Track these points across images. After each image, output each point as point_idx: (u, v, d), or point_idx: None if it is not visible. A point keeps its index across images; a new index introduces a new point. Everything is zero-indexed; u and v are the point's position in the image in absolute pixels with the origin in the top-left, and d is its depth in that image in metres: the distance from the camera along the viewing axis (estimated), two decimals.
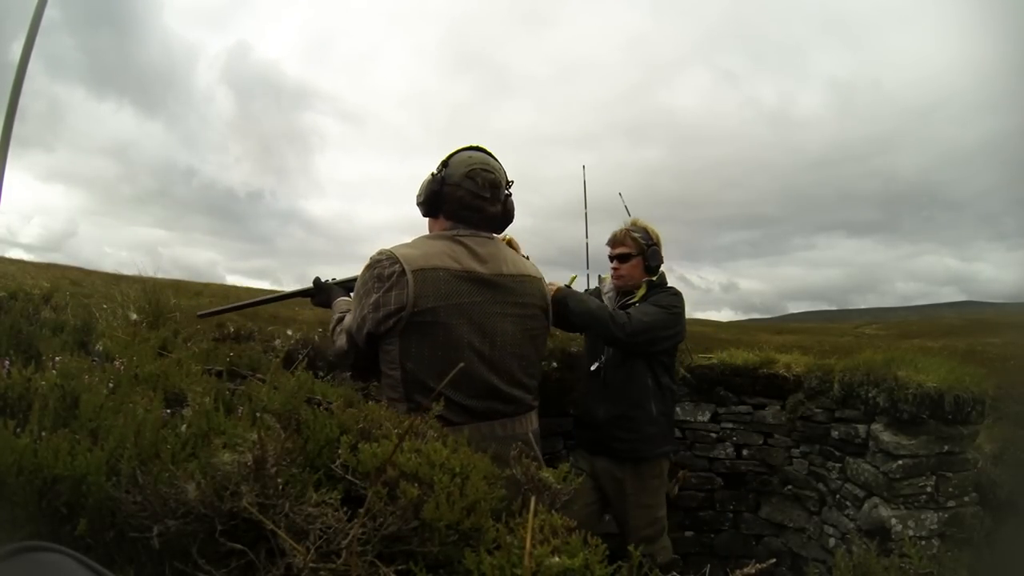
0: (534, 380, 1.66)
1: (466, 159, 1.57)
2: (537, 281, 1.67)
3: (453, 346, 1.46)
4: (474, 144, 1.63)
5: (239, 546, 0.66)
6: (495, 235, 1.66)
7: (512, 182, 1.64)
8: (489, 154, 1.61)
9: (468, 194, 1.54)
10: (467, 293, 1.49)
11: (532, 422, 1.67)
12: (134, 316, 2.00)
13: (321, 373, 1.60)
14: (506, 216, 1.64)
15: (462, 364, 1.36)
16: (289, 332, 2.77)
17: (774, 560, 1.02)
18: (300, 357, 1.79)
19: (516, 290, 1.58)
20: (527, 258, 1.76)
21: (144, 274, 2.64)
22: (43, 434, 0.73)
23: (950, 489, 2.61)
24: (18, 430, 0.72)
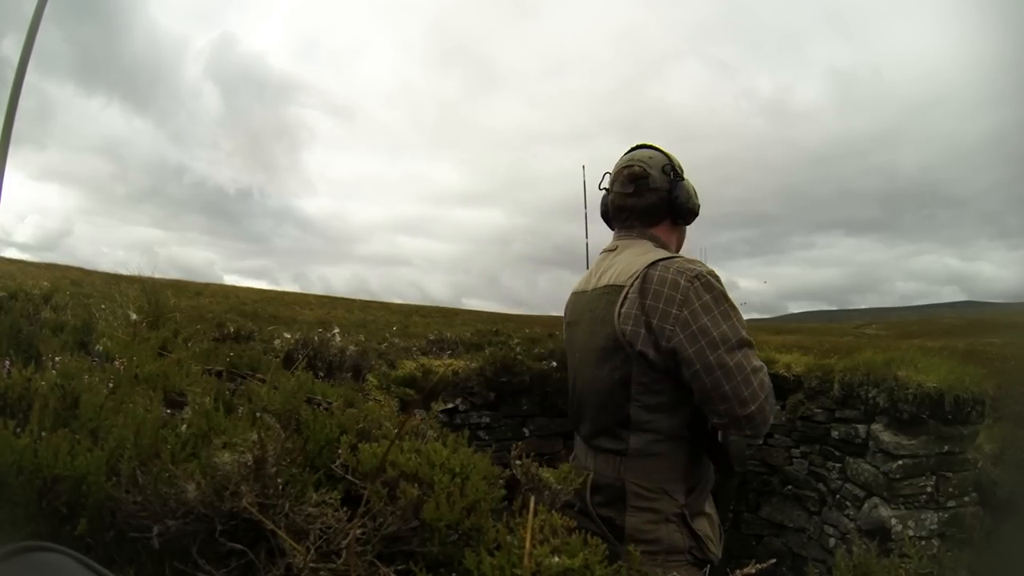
0: (603, 418, 1.41)
1: (617, 163, 1.58)
2: (612, 292, 1.39)
3: (571, 362, 1.60)
4: (638, 143, 1.61)
5: (239, 546, 0.66)
6: (634, 232, 1.52)
7: (672, 166, 1.51)
8: (646, 147, 1.57)
9: (617, 196, 1.54)
10: (576, 312, 1.56)
11: (597, 462, 1.42)
12: (134, 316, 2.00)
13: (320, 374, 1.60)
14: (672, 204, 1.49)
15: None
16: (287, 335, 2.77)
17: (774, 560, 1.01)
18: (300, 357, 1.79)
19: (595, 305, 1.44)
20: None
21: (143, 274, 2.64)
22: (43, 434, 0.73)
23: (950, 489, 2.60)
24: (18, 430, 0.72)
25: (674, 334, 1.28)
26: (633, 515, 1.36)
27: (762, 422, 1.30)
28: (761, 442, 1.23)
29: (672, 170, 1.50)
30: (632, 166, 1.50)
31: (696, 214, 1.55)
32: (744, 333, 1.30)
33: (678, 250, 1.57)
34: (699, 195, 1.59)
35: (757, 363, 1.31)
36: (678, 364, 1.29)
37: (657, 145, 1.57)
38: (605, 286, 1.43)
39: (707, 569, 1.39)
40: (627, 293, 1.35)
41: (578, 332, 1.52)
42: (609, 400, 1.39)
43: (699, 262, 1.37)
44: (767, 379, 1.31)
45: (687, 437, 1.37)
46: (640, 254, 1.42)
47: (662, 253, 1.41)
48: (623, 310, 1.35)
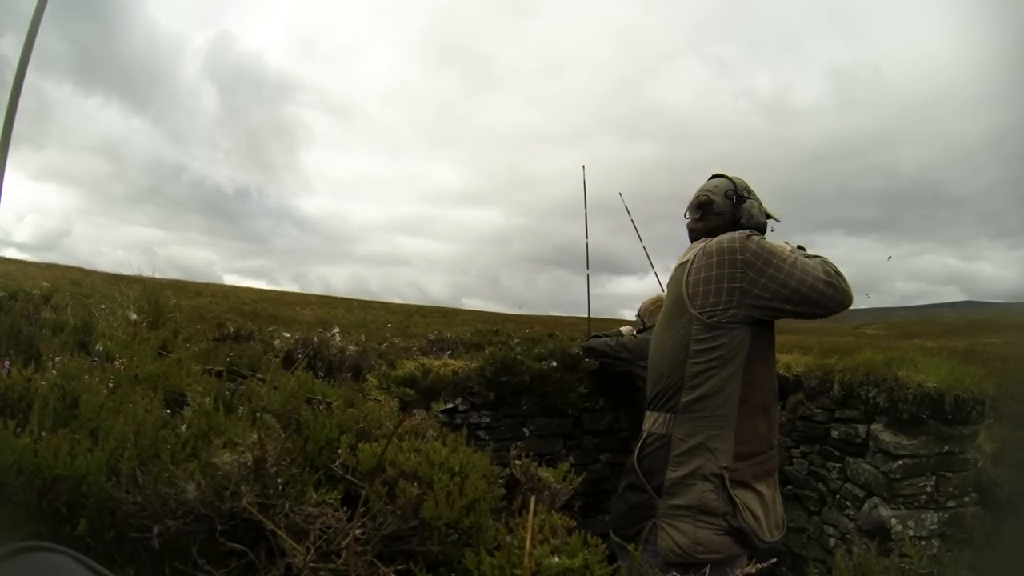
0: (663, 379, 1.59)
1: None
2: (680, 268, 1.64)
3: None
4: (713, 173, 1.79)
5: (239, 546, 0.66)
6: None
7: (735, 191, 1.69)
8: (717, 176, 1.77)
9: (690, 222, 1.75)
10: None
11: (653, 422, 1.60)
12: (134, 316, 2.00)
13: (320, 374, 1.60)
14: (736, 225, 1.66)
15: None
16: (287, 335, 2.76)
17: (774, 560, 1.02)
18: (300, 357, 1.79)
19: (669, 284, 1.68)
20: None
21: (143, 274, 2.64)
22: (43, 434, 0.73)
23: (950, 489, 2.60)
24: (18, 430, 0.72)
25: (745, 274, 1.49)
26: (673, 470, 1.49)
27: (844, 293, 1.51)
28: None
29: (735, 194, 1.69)
30: (699, 196, 1.72)
31: (761, 231, 1.68)
32: (790, 254, 1.52)
33: None
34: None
35: (812, 260, 1.53)
36: (755, 298, 1.48)
37: (728, 173, 1.75)
38: (677, 264, 1.68)
39: (750, 551, 1.42)
40: (691, 265, 1.58)
41: (660, 313, 1.73)
42: (671, 360, 1.56)
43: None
44: (826, 264, 1.53)
45: (736, 398, 1.48)
46: (701, 244, 1.63)
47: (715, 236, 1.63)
48: (690, 278, 1.57)
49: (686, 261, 1.62)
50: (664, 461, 1.51)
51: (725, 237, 1.56)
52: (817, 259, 1.56)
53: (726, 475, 1.43)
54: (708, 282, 1.54)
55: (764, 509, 1.47)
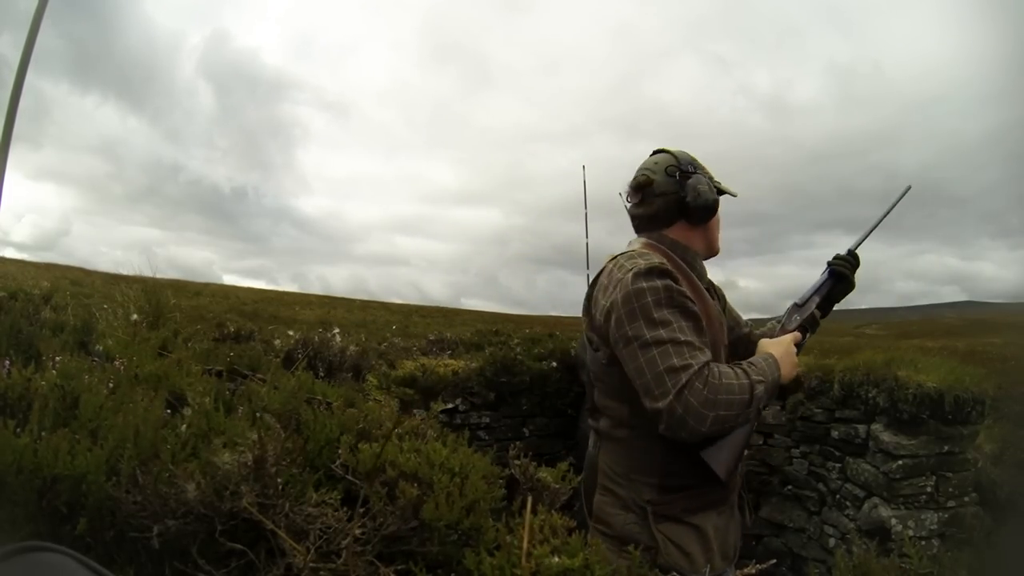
0: (591, 398, 1.44)
1: None
2: (594, 281, 1.42)
3: None
4: (655, 149, 1.54)
5: (239, 546, 0.66)
6: (642, 235, 1.47)
7: (677, 167, 1.42)
8: (658, 152, 1.51)
9: (630, 208, 1.50)
10: None
11: (593, 443, 1.44)
12: (135, 316, 2.00)
13: (321, 374, 1.59)
14: (680, 202, 1.41)
15: None
16: (290, 332, 2.77)
17: (774, 560, 1.01)
18: (300, 357, 1.79)
19: (593, 296, 1.41)
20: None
21: (143, 274, 2.64)
22: (43, 434, 0.73)
23: (950, 489, 2.61)
24: (18, 430, 0.72)
25: (605, 323, 1.28)
26: (600, 495, 1.36)
27: (677, 424, 1.14)
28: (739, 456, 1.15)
29: (678, 170, 1.43)
30: (637, 177, 1.47)
31: (709, 209, 1.43)
32: (653, 334, 1.20)
33: (706, 245, 1.49)
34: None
35: (679, 362, 1.17)
36: (612, 348, 1.28)
37: (670, 148, 1.50)
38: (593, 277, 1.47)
39: None
40: (600, 281, 1.38)
41: None
42: (589, 384, 1.45)
43: (651, 255, 1.33)
44: (694, 380, 1.15)
45: (656, 433, 1.23)
46: (620, 252, 1.41)
47: (631, 249, 1.40)
48: (586, 303, 1.41)
49: (599, 274, 1.40)
50: (593, 484, 1.39)
51: (616, 267, 1.32)
52: (694, 366, 1.15)
53: (649, 509, 1.30)
54: (587, 312, 1.38)
55: (702, 543, 1.33)
